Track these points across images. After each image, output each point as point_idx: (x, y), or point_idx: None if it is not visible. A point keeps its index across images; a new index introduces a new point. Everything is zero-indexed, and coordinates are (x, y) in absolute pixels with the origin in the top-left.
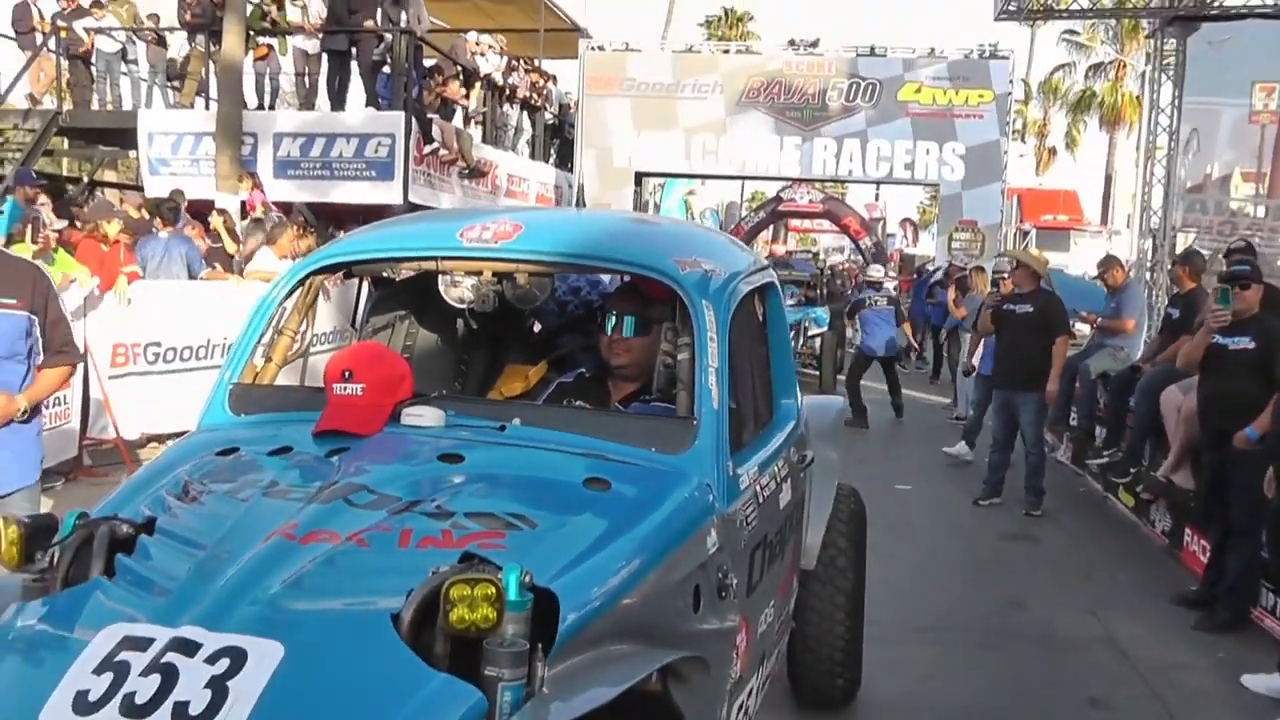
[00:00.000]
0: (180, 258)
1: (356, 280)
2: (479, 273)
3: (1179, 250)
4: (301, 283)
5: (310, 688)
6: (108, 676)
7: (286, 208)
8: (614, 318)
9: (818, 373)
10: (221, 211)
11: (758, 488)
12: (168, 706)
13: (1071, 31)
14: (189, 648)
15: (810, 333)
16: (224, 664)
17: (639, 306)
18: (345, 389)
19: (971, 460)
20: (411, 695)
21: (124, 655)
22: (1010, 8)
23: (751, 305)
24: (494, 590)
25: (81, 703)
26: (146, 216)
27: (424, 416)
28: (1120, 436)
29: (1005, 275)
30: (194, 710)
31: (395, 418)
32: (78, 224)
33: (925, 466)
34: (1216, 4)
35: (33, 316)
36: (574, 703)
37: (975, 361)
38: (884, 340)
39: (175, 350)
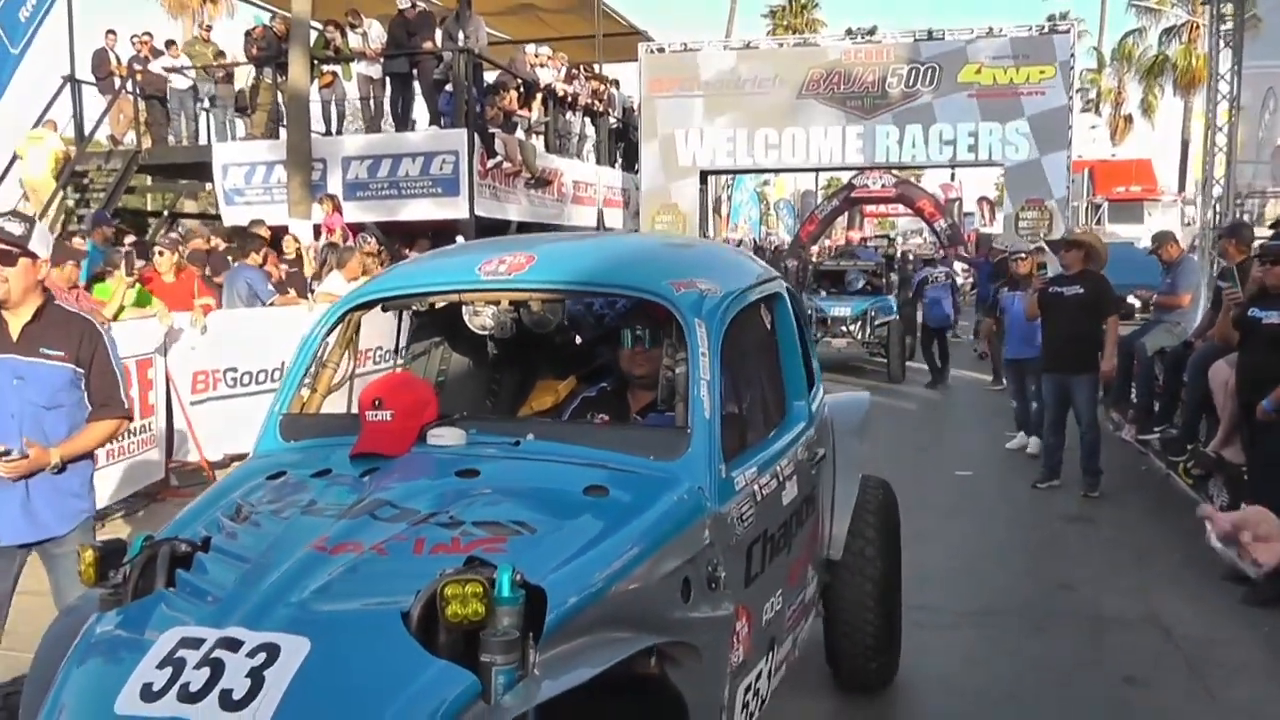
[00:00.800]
0: (244, 286)
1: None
2: (497, 302)
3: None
4: (342, 319)
5: (330, 675)
6: (168, 671)
7: (357, 228)
8: (631, 332)
9: (885, 360)
10: (294, 237)
11: (756, 487)
12: (215, 693)
13: None
14: (234, 645)
15: (877, 321)
16: (262, 657)
17: (653, 321)
18: (376, 416)
19: (1037, 453)
20: (414, 679)
21: (181, 653)
22: None
23: (758, 315)
24: (483, 588)
25: (147, 693)
26: (220, 246)
27: (446, 436)
28: (1175, 412)
29: (1024, 255)
30: (236, 696)
31: (422, 439)
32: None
33: (988, 452)
34: None
35: (78, 370)
36: (561, 680)
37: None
38: (938, 313)
39: (251, 374)
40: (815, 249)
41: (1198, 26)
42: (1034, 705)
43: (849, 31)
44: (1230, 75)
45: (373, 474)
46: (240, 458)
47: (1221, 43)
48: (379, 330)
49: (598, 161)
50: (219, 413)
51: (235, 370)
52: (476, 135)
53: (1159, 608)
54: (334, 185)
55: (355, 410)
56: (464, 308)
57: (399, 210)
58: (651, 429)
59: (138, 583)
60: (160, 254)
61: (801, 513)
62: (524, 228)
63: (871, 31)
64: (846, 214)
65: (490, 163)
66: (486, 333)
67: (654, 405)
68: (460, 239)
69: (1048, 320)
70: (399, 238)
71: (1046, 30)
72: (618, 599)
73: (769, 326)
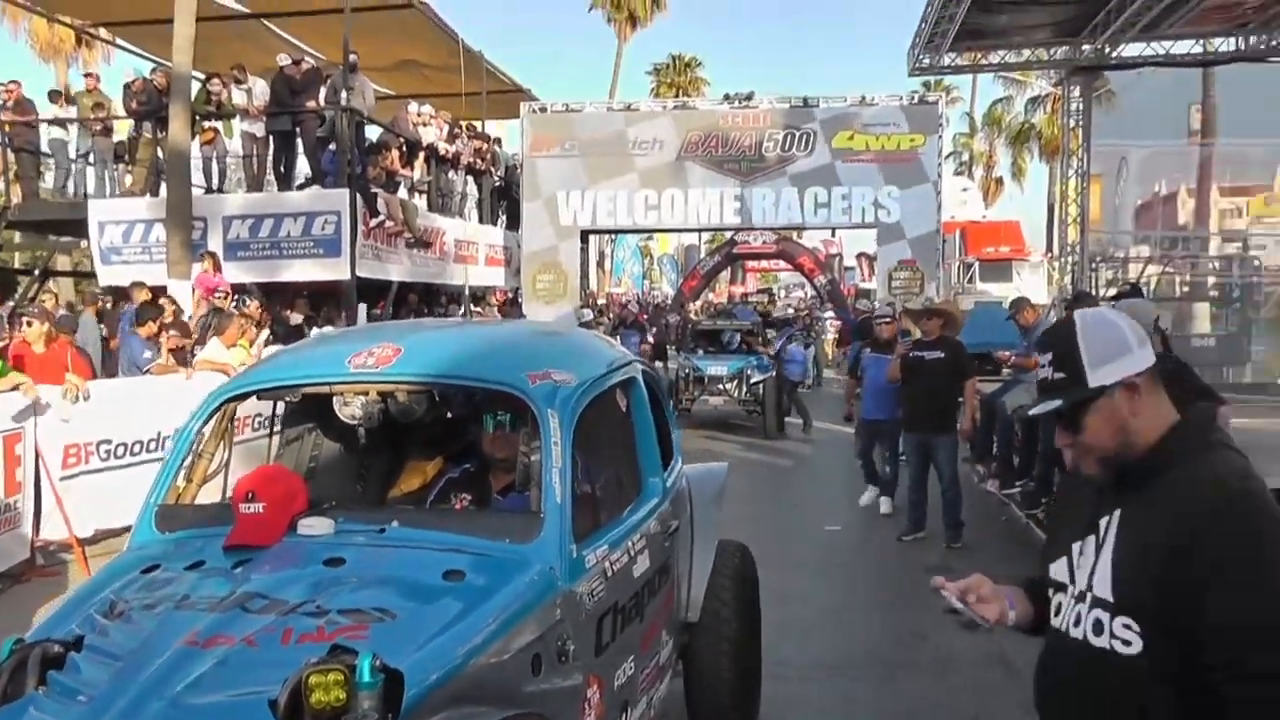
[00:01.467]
0: (127, 354)
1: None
2: (366, 393)
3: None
4: (217, 409)
5: None
6: None
7: (239, 289)
8: (493, 418)
9: (762, 418)
10: (170, 299)
11: (607, 564)
12: None
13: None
14: None
15: (753, 380)
16: None
17: (512, 408)
18: (249, 508)
19: (882, 509)
20: None
21: None
22: (923, 63)
23: (613, 399)
24: (344, 675)
25: None
26: (81, 308)
27: (315, 526)
28: (1033, 466)
29: (888, 320)
30: None
31: (292, 528)
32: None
33: (857, 506)
34: (1114, 55)
35: None
36: None
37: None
38: (793, 370)
39: (126, 445)
40: (697, 304)
41: (1059, 98)
42: None
43: (727, 96)
44: (1080, 151)
45: (245, 564)
46: (112, 533)
47: (1073, 121)
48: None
49: (480, 220)
50: (91, 487)
51: (109, 442)
52: (359, 195)
53: (1005, 647)
54: (214, 244)
55: (229, 500)
56: (334, 398)
57: (280, 271)
58: (507, 514)
59: (7, 687)
60: (28, 324)
61: (654, 582)
62: (405, 287)
63: (749, 97)
64: (729, 269)
65: (373, 222)
66: (355, 422)
67: (514, 486)
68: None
69: (909, 383)
70: (280, 298)
71: (917, 101)
72: (473, 676)
73: (624, 409)
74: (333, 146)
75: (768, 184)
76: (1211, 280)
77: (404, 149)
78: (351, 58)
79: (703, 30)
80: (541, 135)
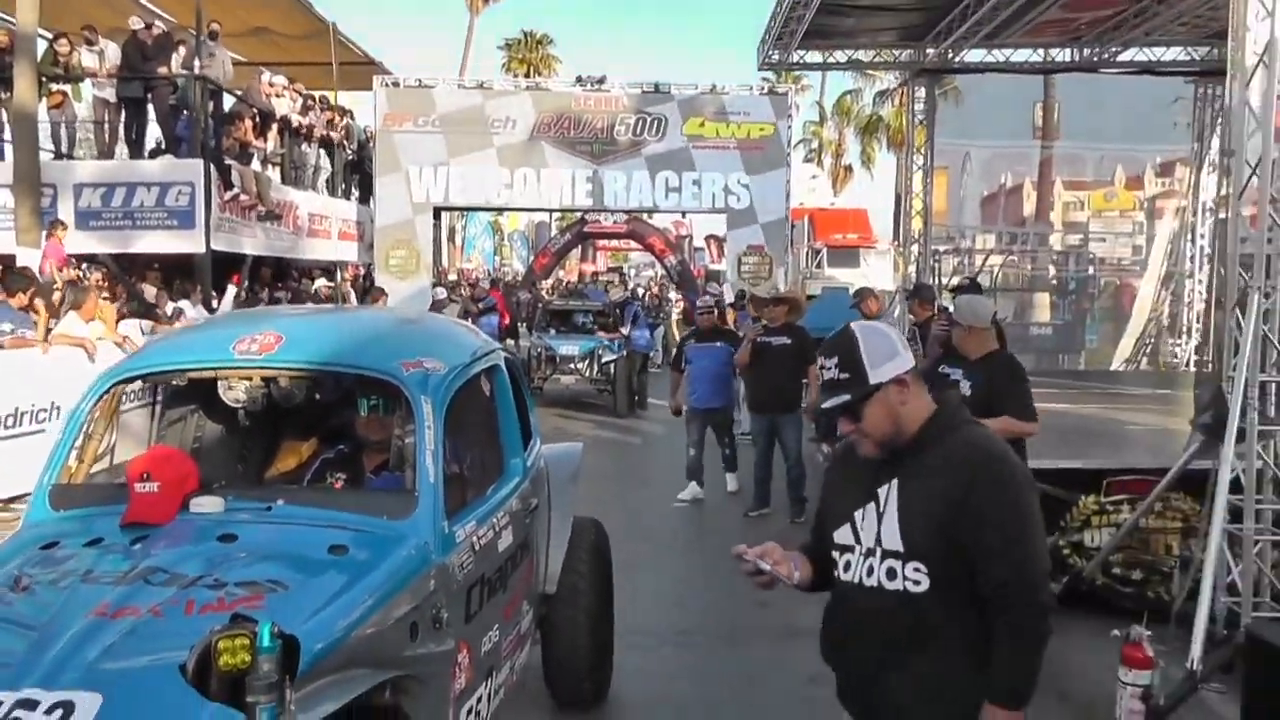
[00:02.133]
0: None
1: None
2: (249, 378)
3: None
4: (106, 392)
5: None
6: None
7: (90, 259)
8: (367, 401)
9: (613, 396)
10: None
11: (474, 539)
12: None
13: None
14: (31, 705)
15: (604, 359)
16: (59, 714)
17: (386, 393)
18: (144, 487)
19: (703, 499)
20: None
21: None
22: (772, 58)
23: (478, 385)
24: (249, 640)
25: None
26: None
27: (206, 505)
28: None
29: (708, 311)
30: None
31: (185, 507)
32: None
33: (707, 483)
34: (957, 60)
35: None
36: (313, 713)
37: (681, 400)
38: (640, 343)
39: None
40: (548, 282)
41: (905, 94)
42: (729, 708)
43: (579, 79)
44: (924, 148)
45: (143, 541)
46: None
47: (918, 120)
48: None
49: (332, 193)
50: None
51: None
52: (213, 166)
53: None
54: (65, 213)
55: (122, 481)
56: (219, 382)
57: (133, 241)
58: (384, 493)
59: None
60: None
61: (516, 556)
62: (259, 261)
63: (601, 81)
64: (580, 247)
65: (227, 195)
66: (239, 405)
67: (386, 465)
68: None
69: (757, 367)
70: (132, 270)
71: (766, 91)
72: (358, 642)
73: (488, 394)
74: (186, 114)
75: (620, 166)
76: (1051, 271)
77: (257, 120)
78: (213, 26)
79: (554, 7)
80: (395, 110)
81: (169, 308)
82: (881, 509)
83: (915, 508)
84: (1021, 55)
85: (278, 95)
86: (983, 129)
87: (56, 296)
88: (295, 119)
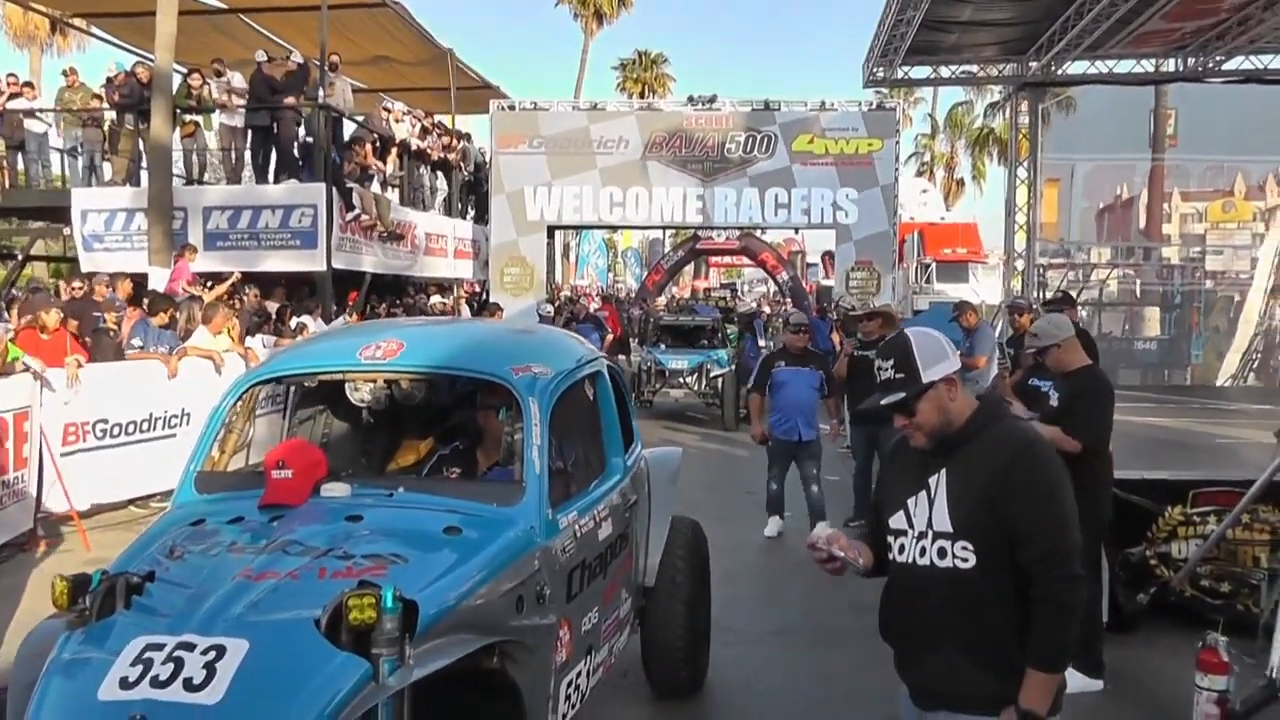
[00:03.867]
0: (165, 340)
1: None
2: (374, 380)
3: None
4: (245, 392)
5: (266, 664)
6: (139, 667)
7: (220, 277)
8: (488, 403)
9: (720, 410)
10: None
11: (576, 527)
12: (180, 681)
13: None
14: (189, 647)
15: (712, 374)
16: (212, 654)
17: (500, 395)
18: (280, 474)
19: (782, 534)
20: (325, 666)
21: (148, 654)
22: (877, 75)
23: (583, 390)
24: (375, 600)
25: (124, 684)
26: (88, 293)
27: (336, 490)
28: None
29: (801, 329)
30: (196, 682)
31: (316, 491)
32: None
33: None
34: (1060, 72)
35: None
36: (429, 667)
37: (764, 427)
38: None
39: (121, 425)
40: (662, 298)
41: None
42: (815, 700)
43: (690, 99)
44: (1028, 163)
45: (280, 520)
46: (108, 508)
47: (1020, 134)
48: None
49: (449, 213)
50: (88, 464)
51: (105, 422)
52: (335, 189)
53: None
54: (194, 235)
55: (259, 469)
56: (346, 384)
57: (258, 261)
58: (494, 483)
59: (100, 607)
60: (47, 312)
61: (615, 546)
62: (377, 278)
63: (712, 100)
64: (693, 263)
65: (348, 216)
66: (364, 405)
67: (499, 463)
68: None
69: (858, 380)
70: (257, 286)
71: (875, 107)
72: (468, 611)
73: (592, 398)
74: (309, 138)
75: (729, 184)
76: (1162, 287)
77: (377, 144)
78: (333, 58)
79: (668, 28)
80: (509, 132)
81: (292, 323)
82: (932, 495)
83: (962, 492)
84: (1125, 66)
85: (397, 120)
86: (1091, 141)
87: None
88: (414, 143)
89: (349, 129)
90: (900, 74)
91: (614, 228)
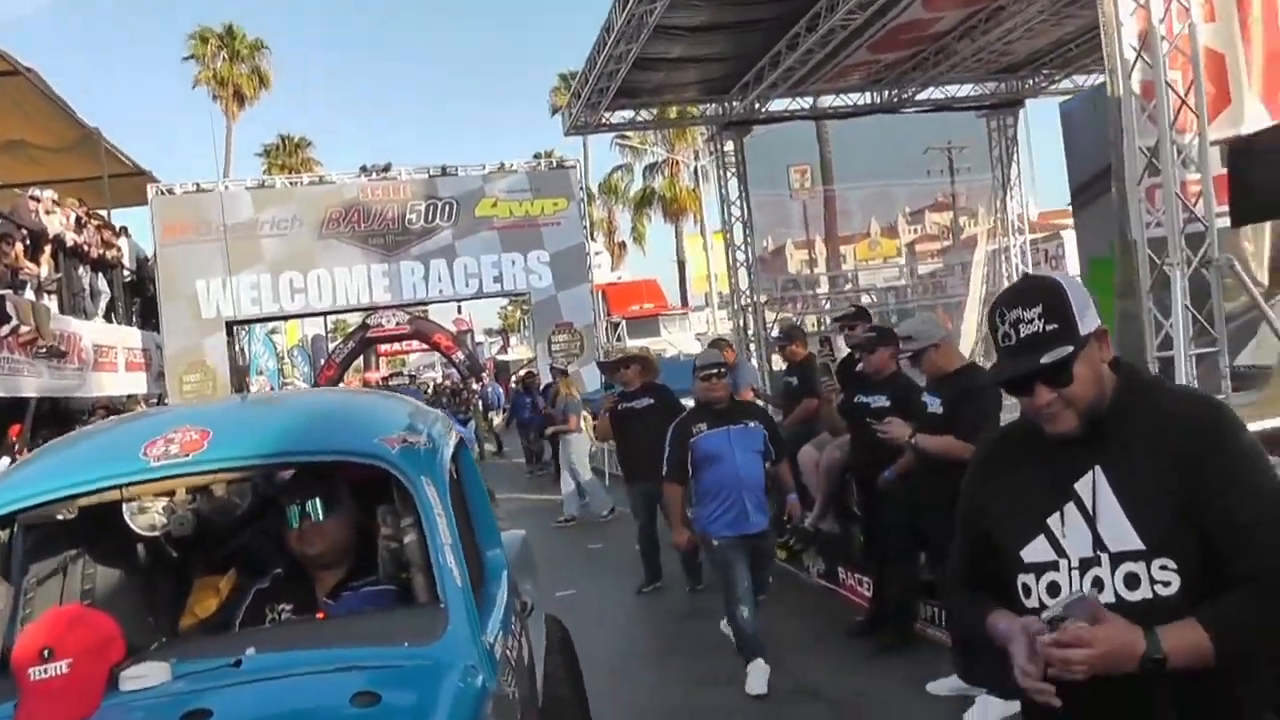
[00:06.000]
0: None
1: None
2: (170, 492)
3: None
4: None
5: None
6: None
7: None
8: (299, 508)
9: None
10: None
11: (507, 651)
12: None
13: (624, 136)
14: None
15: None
16: None
17: (322, 487)
18: (46, 671)
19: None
20: None
21: None
22: (580, 122)
23: (452, 466)
24: None
25: None
26: None
27: (146, 676)
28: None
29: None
30: None
31: (113, 685)
32: None
33: (576, 566)
34: (764, 111)
35: None
36: None
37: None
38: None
39: None
40: None
41: (678, 163)
42: None
43: (364, 169)
44: (739, 199)
45: None
46: None
47: (728, 174)
48: None
49: (112, 320)
50: None
51: None
52: None
53: (802, 676)
54: None
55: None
56: (124, 506)
57: None
58: (395, 611)
59: None
60: None
61: (531, 669)
62: (44, 404)
63: (386, 169)
64: (362, 355)
65: (4, 330)
66: (156, 533)
67: (345, 582)
68: None
69: (626, 436)
70: None
71: (556, 165)
72: None
73: (456, 476)
74: None
75: (414, 258)
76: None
77: (27, 242)
78: None
79: (311, 108)
80: (173, 221)
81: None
82: (1090, 506)
83: (1141, 491)
84: (825, 100)
85: (47, 212)
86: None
87: None
88: (70, 238)
89: None
90: (603, 119)
91: (299, 316)
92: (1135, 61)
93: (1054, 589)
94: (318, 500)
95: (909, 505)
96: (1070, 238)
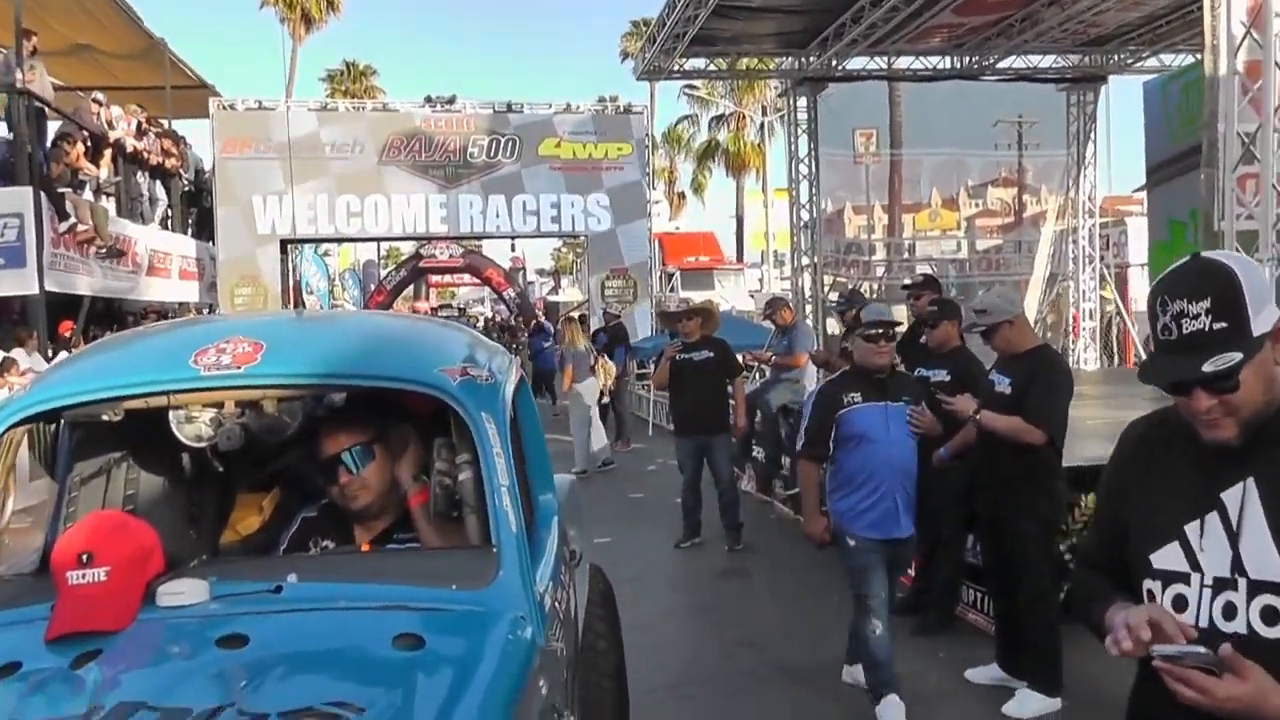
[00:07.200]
0: None
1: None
2: (219, 404)
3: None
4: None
5: None
6: None
7: None
8: (350, 455)
9: None
10: None
11: (556, 604)
12: None
13: (691, 86)
14: None
15: None
16: None
17: (357, 431)
18: (84, 576)
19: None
20: None
21: None
22: (653, 67)
23: (513, 403)
24: None
25: None
26: None
27: (184, 593)
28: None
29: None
30: None
31: (150, 600)
32: None
33: (615, 513)
34: (840, 68)
35: None
36: None
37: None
38: None
39: None
40: None
41: (744, 117)
42: None
43: (428, 99)
44: (809, 158)
45: (93, 661)
46: None
47: (798, 130)
48: None
49: (168, 228)
50: None
51: None
52: (44, 196)
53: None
54: None
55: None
56: (172, 414)
57: None
58: (448, 551)
59: None
60: None
61: (576, 620)
62: (99, 304)
63: (451, 100)
64: (413, 284)
65: (61, 228)
66: (202, 444)
67: (389, 534)
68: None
69: (681, 388)
70: None
71: (623, 110)
72: None
73: (514, 414)
74: (8, 136)
75: (473, 191)
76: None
77: (89, 144)
78: (32, 39)
79: (377, 37)
80: (234, 136)
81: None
82: (1235, 521)
83: None
84: (904, 63)
85: (110, 116)
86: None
87: None
88: (130, 143)
89: (51, 127)
90: (677, 65)
91: (354, 240)
92: (1243, 39)
93: (1180, 603)
94: (357, 447)
95: (964, 485)
96: (1133, 225)
